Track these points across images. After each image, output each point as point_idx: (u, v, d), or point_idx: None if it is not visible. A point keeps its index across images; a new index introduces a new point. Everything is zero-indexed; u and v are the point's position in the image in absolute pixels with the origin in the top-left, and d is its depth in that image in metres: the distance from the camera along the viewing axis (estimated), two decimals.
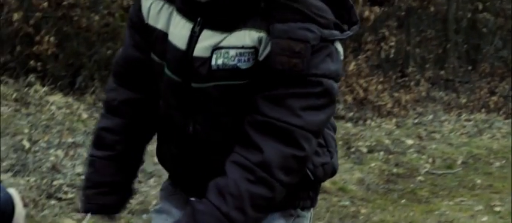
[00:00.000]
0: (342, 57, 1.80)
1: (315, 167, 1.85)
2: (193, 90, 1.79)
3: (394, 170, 6.49)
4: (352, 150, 6.77)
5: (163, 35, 1.81)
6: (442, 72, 10.78)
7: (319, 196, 2.01)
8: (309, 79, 1.71)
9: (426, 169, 6.64)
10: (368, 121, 8.31)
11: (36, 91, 6.52)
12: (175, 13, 1.80)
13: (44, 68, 6.83)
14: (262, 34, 1.72)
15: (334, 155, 1.92)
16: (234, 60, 1.73)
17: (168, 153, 1.91)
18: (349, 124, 7.99)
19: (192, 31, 1.77)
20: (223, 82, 1.76)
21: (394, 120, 8.63)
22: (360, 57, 9.28)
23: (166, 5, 1.81)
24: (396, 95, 9.41)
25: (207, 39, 1.75)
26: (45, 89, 6.58)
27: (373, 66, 9.64)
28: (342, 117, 8.15)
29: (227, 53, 1.74)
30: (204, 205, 1.71)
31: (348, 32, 1.79)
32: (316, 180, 1.87)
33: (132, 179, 2.03)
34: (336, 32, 1.76)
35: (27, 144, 5.20)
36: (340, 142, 6.52)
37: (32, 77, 6.63)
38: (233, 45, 1.73)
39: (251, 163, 1.71)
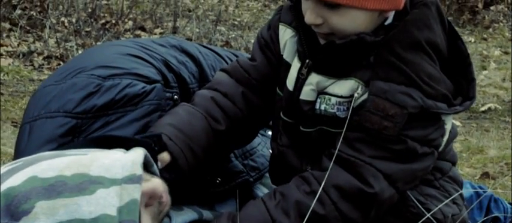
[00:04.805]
0: (446, 128, 1.74)
1: (445, 218, 1.83)
2: (302, 133, 1.81)
3: None
4: None
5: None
6: None
7: None
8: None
9: None
10: None
11: None
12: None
13: None
14: (361, 85, 1.70)
15: (463, 210, 1.89)
16: (333, 109, 1.74)
17: None
18: None
19: (299, 73, 1.78)
20: (324, 127, 1.77)
21: None
22: None
23: (296, 45, 1.81)
24: None
25: (314, 82, 1.75)
26: None
27: None
28: None
29: (329, 99, 1.74)
30: (256, 200, 1.76)
31: (457, 107, 1.71)
32: None
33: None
34: (442, 105, 1.68)
35: None
36: None
37: None
38: (335, 93, 1.73)
39: (311, 176, 1.73)
